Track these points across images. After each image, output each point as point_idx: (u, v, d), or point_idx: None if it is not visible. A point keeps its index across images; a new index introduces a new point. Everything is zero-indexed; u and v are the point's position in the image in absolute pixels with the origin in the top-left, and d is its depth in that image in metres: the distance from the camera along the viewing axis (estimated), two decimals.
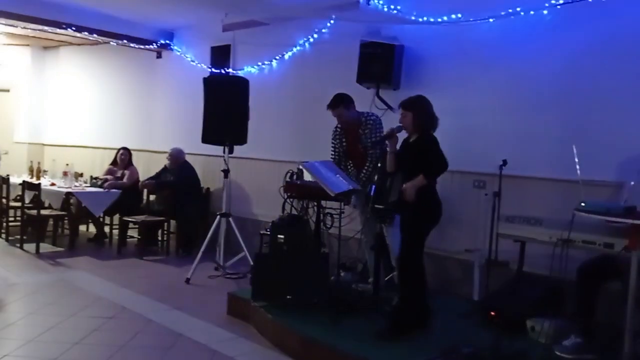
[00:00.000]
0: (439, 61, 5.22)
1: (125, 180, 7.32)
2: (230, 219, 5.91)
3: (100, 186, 7.22)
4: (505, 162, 4.36)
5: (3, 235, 7.33)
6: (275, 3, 5.84)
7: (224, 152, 5.93)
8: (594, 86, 4.31)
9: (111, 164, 7.71)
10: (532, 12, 4.56)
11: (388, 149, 4.06)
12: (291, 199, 4.84)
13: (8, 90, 9.84)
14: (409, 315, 3.79)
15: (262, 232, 5.76)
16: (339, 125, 5.02)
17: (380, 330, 3.74)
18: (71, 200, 7.05)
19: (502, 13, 4.70)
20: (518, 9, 4.62)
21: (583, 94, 4.36)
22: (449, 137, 4.79)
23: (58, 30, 7.35)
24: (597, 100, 4.29)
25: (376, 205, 4.08)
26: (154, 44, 7.85)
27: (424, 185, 3.77)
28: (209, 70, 7.38)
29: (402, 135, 4.08)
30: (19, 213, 7.26)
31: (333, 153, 5.09)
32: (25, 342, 3.86)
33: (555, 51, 4.52)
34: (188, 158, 7.27)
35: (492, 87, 4.87)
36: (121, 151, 7.60)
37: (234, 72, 7.12)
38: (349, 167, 5.02)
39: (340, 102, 4.85)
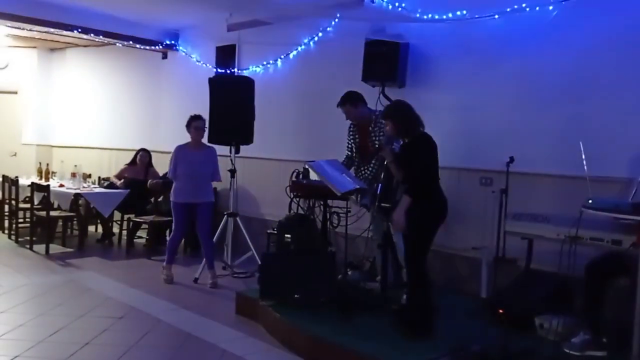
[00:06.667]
0: (444, 58, 5.20)
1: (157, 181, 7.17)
2: (238, 218, 5.92)
3: (108, 187, 7.23)
4: (512, 159, 4.35)
5: (13, 237, 7.38)
6: (279, 2, 5.83)
7: (230, 151, 5.95)
8: (601, 82, 4.28)
9: (129, 164, 7.67)
10: (537, 8, 4.53)
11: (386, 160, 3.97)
12: (297, 198, 4.85)
13: (16, 92, 9.89)
14: (415, 315, 3.77)
15: (269, 231, 5.78)
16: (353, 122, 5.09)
17: (396, 329, 3.74)
18: (80, 201, 7.10)
19: (508, 9, 4.67)
20: (524, 5, 4.59)
21: (590, 90, 4.33)
22: (455, 134, 4.79)
23: (64, 32, 7.39)
24: (605, 96, 4.26)
25: (382, 204, 4.07)
26: (159, 44, 7.88)
27: (421, 192, 3.65)
28: (215, 70, 7.39)
29: None
30: (28, 214, 7.31)
31: (348, 149, 5.15)
32: (35, 342, 3.89)
33: (561, 47, 4.49)
34: None
35: (498, 84, 4.85)
36: (141, 152, 7.59)
37: (239, 71, 7.13)
38: (356, 161, 5.07)
39: (347, 100, 4.93)
